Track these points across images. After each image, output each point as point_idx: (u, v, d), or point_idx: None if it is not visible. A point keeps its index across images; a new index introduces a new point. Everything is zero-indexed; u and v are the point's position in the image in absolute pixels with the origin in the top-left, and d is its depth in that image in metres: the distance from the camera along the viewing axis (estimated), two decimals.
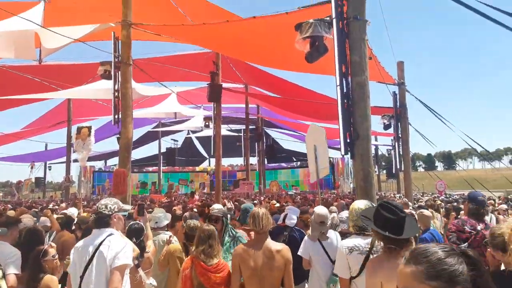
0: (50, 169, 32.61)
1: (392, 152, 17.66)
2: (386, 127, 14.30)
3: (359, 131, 5.16)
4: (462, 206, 8.86)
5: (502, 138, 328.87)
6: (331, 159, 36.69)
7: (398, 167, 14.85)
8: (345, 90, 5.13)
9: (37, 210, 8.22)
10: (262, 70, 15.80)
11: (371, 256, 3.05)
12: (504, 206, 10.62)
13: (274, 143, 35.79)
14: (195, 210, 7.41)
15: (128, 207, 3.39)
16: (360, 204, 3.40)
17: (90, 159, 34.50)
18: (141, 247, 4.18)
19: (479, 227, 3.94)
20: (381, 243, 2.64)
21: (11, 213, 7.47)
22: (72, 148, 22.76)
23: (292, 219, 5.19)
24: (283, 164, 40.37)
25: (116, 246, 2.98)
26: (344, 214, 5.23)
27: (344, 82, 5.12)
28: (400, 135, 14.14)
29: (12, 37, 9.15)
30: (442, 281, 1.12)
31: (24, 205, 15.47)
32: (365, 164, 5.23)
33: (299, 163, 40.15)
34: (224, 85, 14.27)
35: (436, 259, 1.16)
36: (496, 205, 11.84)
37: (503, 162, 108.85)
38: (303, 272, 4.52)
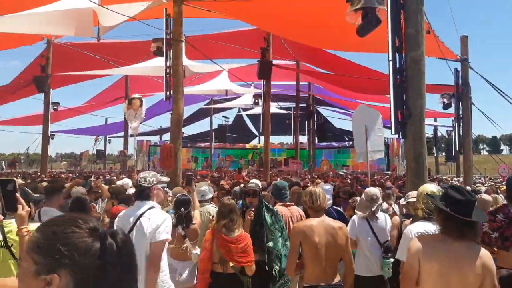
0: (110, 142, 34.62)
1: (452, 133, 16.64)
2: (446, 106, 13.41)
3: (412, 110, 4.87)
4: None
5: None
6: (386, 139, 35.38)
7: (457, 149, 13.99)
8: (398, 66, 4.83)
9: (94, 180, 8.76)
10: (314, 46, 15.37)
11: None
12: None
13: (325, 122, 35.14)
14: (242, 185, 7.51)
15: (166, 179, 3.45)
16: (432, 187, 3.18)
17: (146, 134, 36.11)
18: (189, 217, 4.29)
19: None
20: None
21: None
22: (129, 124, 23.95)
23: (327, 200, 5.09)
24: (334, 144, 39.56)
25: (156, 220, 3.03)
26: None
27: (397, 56, 4.82)
28: (461, 115, 13.23)
29: (72, 15, 9.59)
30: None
31: (84, 175, 16.58)
32: (417, 144, 4.95)
33: (351, 142, 39.13)
34: (275, 61, 14.10)
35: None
36: None
37: None
38: None
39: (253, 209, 4.04)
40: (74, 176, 15.59)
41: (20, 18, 9.19)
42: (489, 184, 13.51)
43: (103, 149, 34.93)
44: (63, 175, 16.59)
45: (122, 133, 25.79)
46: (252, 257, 3.56)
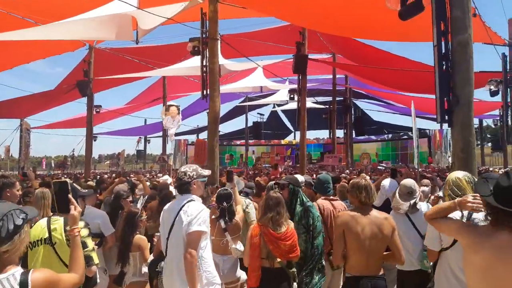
0: (149, 143, 35.65)
1: (500, 122, 15.80)
2: (493, 93, 12.73)
3: (459, 97, 4.64)
4: None
5: None
6: (428, 130, 34.11)
7: (506, 138, 13.28)
8: (443, 51, 4.61)
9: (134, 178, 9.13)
10: (351, 39, 15.05)
11: None
12: None
13: (363, 115, 34.36)
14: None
15: (207, 172, 3.46)
16: (458, 173, 3.09)
17: (183, 133, 36.87)
18: (231, 211, 4.34)
19: None
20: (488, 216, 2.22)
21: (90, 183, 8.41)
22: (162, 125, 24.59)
23: None
24: (373, 137, 38.63)
25: (191, 213, 3.09)
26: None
27: (442, 41, 4.60)
28: (509, 103, 12.54)
29: (112, 20, 9.92)
30: None
31: (124, 174, 17.18)
32: (465, 133, 4.72)
33: (390, 135, 38.06)
34: (310, 55, 13.95)
35: None
36: None
37: None
38: None
39: None
40: (113, 176, 16.20)
41: (63, 25, 9.61)
42: None
43: (142, 149, 36.02)
44: (105, 175, 17.24)
45: (160, 133, 26.46)
46: (298, 251, 3.55)
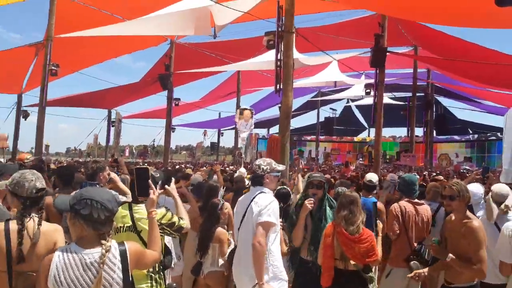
0: (222, 135, 36.67)
1: None
2: None
3: None
4: None
5: None
6: None
7: None
8: None
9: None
10: (435, 30, 13.99)
11: None
12: None
13: (446, 113, 31.96)
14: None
15: (282, 167, 3.44)
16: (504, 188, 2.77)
17: (255, 126, 37.34)
18: (287, 211, 4.25)
19: None
20: None
21: (189, 171, 8.73)
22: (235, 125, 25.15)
23: None
24: (456, 137, 35.67)
25: (262, 204, 3.11)
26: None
27: None
28: None
29: (192, 16, 10.29)
30: None
31: (198, 165, 17.88)
32: None
33: (476, 136, 34.85)
34: (389, 48, 13.23)
35: None
36: None
37: None
38: None
39: (311, 199, 3.66)
40: (188, 165, 16.90)
41: (147, 21, 10.18)
42: None
43: (216, 141, 37.19)
44: (182, 165, 18.10)
45: (233, 126, 27.10)
46: (377, 254, 3.37)
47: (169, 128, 17.48)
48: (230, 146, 36.01)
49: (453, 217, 3.34)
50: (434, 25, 13.03)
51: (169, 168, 12.47)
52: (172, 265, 3.32)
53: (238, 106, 24.93)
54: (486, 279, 3.28)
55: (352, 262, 3.32)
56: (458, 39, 14.02)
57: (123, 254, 1.98)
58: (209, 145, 38.45)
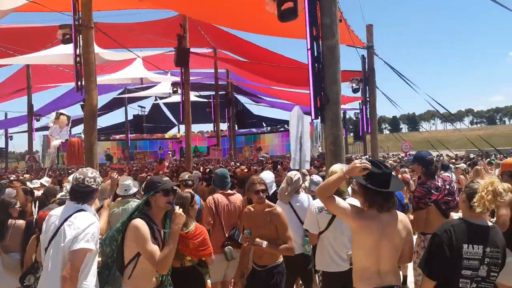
0: (11, 139, 31.13)
1: (360, 115, 17.99)
2: (355, 90, 14.44)
3: (329, 96, 5.19)
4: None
5: (463, 100, 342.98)
6: None
7: (365, 129, 15.19)
8: (316, 54, 5.09)
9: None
10: (231, 34, 15.45)
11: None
12: (464, 166, 11.06)
13: (244, 109, 35.63)
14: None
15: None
16: (337, 167, 3.58)
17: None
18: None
19: (439, 184, 3.95)
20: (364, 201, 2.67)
21: None
22: (33, 118, 21.91)
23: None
24: (253, 130, 40.43)
25: (79, 226, 2.76)
26: (315, 177, 5.32)
27: (315, 45, 5.08)
28: (368, 99, 14.35)
29: None
30: None
31: None
32: (334, 128, 5.31)
33: (269, 128, 40.34)
34: (192, 49, 13.88)
35: None
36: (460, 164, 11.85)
37: (464, 123, 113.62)
38: None
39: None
40: None
41: None
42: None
43: (4, 146, 31.26)
44: None
45: (25, 127, 23.51)
46: (211, 248, 3.53)
47: None
48: (21, 150, 30.96)
49: (252, 209, 3.80)
50: (229, 29, 14.35)
51: None
52: None
53: (29, 104, 21.73)
54: (327, 268, 3.70)
55: (188, 258, 3.45)
56: (249, 42, 15.88)
57: None
58: None
